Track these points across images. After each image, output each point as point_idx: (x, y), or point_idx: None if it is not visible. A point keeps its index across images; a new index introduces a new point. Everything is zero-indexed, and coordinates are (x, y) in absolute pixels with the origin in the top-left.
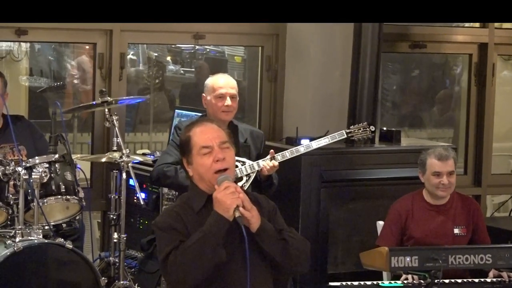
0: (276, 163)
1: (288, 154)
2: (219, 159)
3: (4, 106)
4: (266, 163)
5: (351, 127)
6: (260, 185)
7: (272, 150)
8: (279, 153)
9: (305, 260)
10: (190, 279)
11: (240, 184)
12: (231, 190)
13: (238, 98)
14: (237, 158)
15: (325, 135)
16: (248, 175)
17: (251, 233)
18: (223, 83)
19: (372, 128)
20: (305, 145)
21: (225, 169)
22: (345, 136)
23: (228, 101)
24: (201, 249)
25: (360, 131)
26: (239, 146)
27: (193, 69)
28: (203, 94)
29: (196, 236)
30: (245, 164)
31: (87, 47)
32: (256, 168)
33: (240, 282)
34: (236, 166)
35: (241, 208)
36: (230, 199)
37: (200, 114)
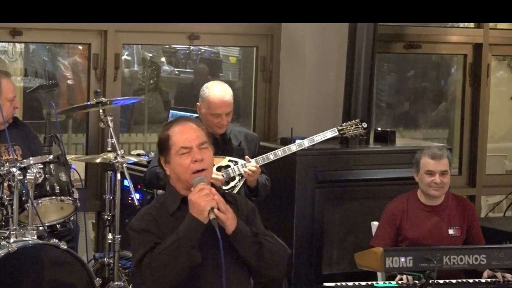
0: (255, 165)
1: (280, 152)
2: (198, 160)
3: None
4: (247, 170)
5: (343, 124)
6: (249, 193)
7: (246, 156)
8: (271, 152)
9: (279, 264)
10: (165, 282)
11: (232, 183)
12: (205, 192)
13: (233, 108)
14: (230, 158)
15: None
16: (240, 175)
17: (226, 236)
18: (220, 103)
19: (365, 124)
20: (298, 143)
21: (203, 169)
22: (337, 133)
23: (223, 120)
24: (176, 252)
25: (353, 128)
26: (233, 152)
27: (187, 70)
28: (198, 104)
29: (171, 239)
30: (237, 164)
31: (80, 47)
32: (242, 171)
33: (215, 284)
34: (229, 166)
35: (215, 210)
36: (204, 201)
37: (196, 115)
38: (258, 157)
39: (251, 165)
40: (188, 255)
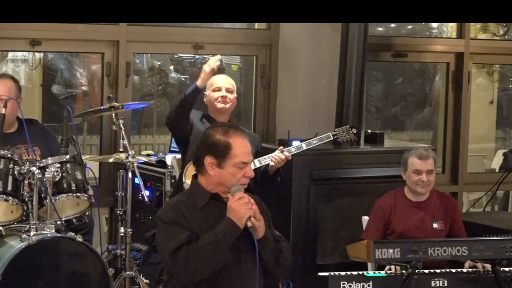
0: (289, 155)
1: (293, 150)
2: (250, 176)
3: (19, 109)
4: (278, 156)
5: (336, 129)
6: (266, 179)
7: (281, 147)
8: (270, 154)
9: (290, 268)
10: (196, 275)
11: None
12: (245, 201)
13: (235, 95)
14: None
15: (314, 137)
16: None
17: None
18: (220, 80)
19: (354, 130)
20: (297, 147)
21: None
22: (331, 138)
23: (224, 92)
24: (213, 251)
25: (344, 133)
26: None
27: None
28: (205, 93)
29: (209, 239)
30: None
31: (94, 56)
32: (263, 163)
33: (239, 282)
34: None
35: (252, 219)
36: (244, 209)
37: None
38: (261, 157)
39: (280, 154)
40: (223, 255)
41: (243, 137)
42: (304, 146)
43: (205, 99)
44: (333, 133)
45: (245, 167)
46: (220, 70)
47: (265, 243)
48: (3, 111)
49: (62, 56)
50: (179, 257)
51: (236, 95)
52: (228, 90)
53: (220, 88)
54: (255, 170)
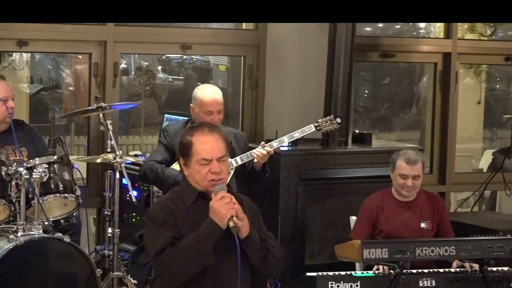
0: (271, 149)
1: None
2: (215, 172)
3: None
4: (259, 152)
5: (319, 120)
6: (254, 176)
7: (263, 142)
8: (253, 150)
9: (280, 267)
10: (181, 277)
11: None
12: (226, 201)
13: (223, 107)
14: None
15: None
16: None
17: (237, 239)
18: (211, 101)
19: (338, 120)
20: (278, 140)
21: (220, 179)
22: (314, 129)
23: (215, 117)
24: (195, 252)
25: (328, 123)
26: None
27: (180, 77)
28: (191, 105)
29: (191, 240)
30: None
31: (80, 56)
32: (245, 160)
33: (225, 281)
34: None
35: (234, 218)
36: (226, 209)
37: (187, 118)
38: (243, 154)
39: (262, 150)
40: (206, 256)
41: (207, 134)
42: (286, 139)
43: (192, 112)
44: (316, 124)
45: (209, 163)
46: (207, 70)
47: (249, 242)
48: None
49: (49, 57)
50: (162, 260)
51: (223, 106)
52: (218, 113)
53: (212, 112)
54: (242, 167)
